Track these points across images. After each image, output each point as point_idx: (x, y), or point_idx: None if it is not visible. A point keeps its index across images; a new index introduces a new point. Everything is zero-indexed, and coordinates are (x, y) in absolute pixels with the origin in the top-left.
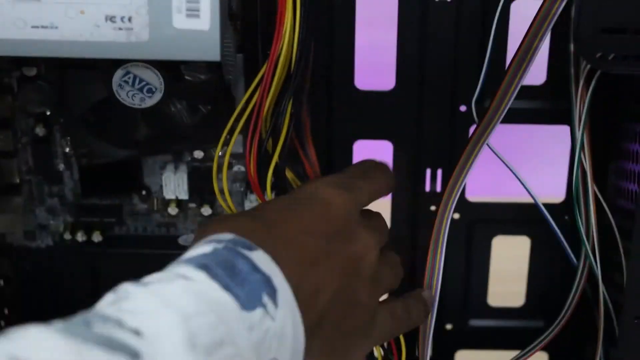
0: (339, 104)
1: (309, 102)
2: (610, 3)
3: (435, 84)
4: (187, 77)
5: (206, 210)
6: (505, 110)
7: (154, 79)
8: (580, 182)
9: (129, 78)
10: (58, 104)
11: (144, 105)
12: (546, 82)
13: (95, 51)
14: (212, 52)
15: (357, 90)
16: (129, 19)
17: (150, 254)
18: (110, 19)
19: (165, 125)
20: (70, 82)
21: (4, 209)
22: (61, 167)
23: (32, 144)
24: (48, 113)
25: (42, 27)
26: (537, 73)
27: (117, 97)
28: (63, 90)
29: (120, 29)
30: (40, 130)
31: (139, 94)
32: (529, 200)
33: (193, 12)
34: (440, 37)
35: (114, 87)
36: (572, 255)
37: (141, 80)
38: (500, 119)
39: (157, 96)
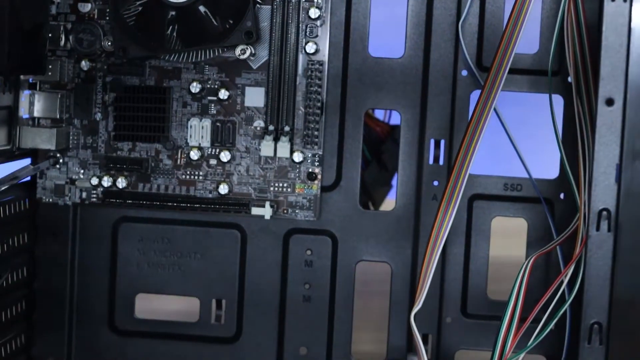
0: (353, 71)
1: None
2: None
3: (439, 51)
4: None
5: (225, 156)
6: (505, 75)
7: None
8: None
9: None
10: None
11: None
12: (539, 51)
13: None
14: None
15: (370, 57)
16: None
17: (167, 219)
18: None
19: (195, 28)
20: None
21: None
22: (98, 116)
23: (75, 88)
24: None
25: None
26: (530, 42)
27: None
28: None
29: None
30: (85, 65)
31: None
32: (525, 176)
33: None
34: (444, 7)
35: None
36: (554, 233)
37: None
38: (502, 82)
39: None
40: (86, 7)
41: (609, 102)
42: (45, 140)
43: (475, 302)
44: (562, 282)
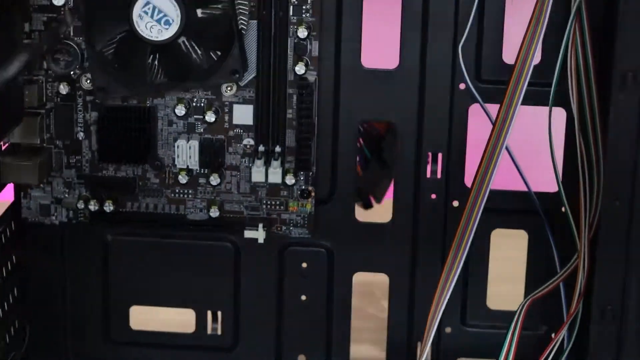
0: (346, 82)
1: None
2: None
3: (436, 63)
4: (201, 15)
5: (215, 179)
6: (524, 88)
7: (172, 10)
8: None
9: (149, 9)
10: (85, 36)
11: (160, 38)
12: (541, 62)
13: None
14: None
15: (363, 68)
16: None
17: (159, 233)
18: None
19: (178, 64)
20: (94, 16)
21: (25, 161)
22: (81, 135)
23: (55, 109)
24: (72, 74)
25: None
26: None
27: (136, 28)
28: (88, 25)
29: None
30: (64, 88)
31: (156, 25)
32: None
33: None
34: (441, 17)
35: (134, 18)
36: (554, 251)
37: (160, 12)
38: (521, 97)
39: (174, 28)
40: (61, 27)
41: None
42: (27, 174)
43: (475, 312)
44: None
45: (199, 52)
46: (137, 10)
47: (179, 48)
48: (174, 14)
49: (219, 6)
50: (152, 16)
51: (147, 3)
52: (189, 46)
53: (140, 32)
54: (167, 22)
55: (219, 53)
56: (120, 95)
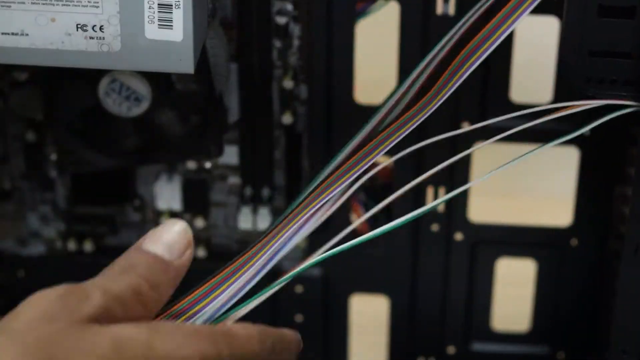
0: (338, 118)
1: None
2: (597, 25)
3: None
4: (177, 87)
5: (199, 222)
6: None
7: (141, 87)
8: None
9: (116, 86)
10: (47, 110)
11: (131, 114)
12: (553, 102)
13: (67, 60)
14: (185, 63)
15: (357, 104)
16: (101, 28)
17: None
18: (82, 27)
19: (155, 135)
20: (59, 89)
21: None
22: (53, 174)
23: (23, 150)
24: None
25: (12, 34)
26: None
27: (104, 105)
28: (52, 97)
29: (91, 38)
30: (30, 136)
31: (125, 102)
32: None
33: (165, 23)
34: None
35: (101, 95)
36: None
37: (128, 89)
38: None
39: (145, 105)
40: (22, 76)
41: None
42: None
43: (479, 333)
44: None
45: (175, 124)
46: (103, 86)
47: (153, 121)
48: (144, 90)
49: (194, 79)
50: (119, 93)
51: (114, 80)
52: (163, 120)
53: (108, 108)
54: (137, 99)
55: (197, 124)
56: (88, 170)
